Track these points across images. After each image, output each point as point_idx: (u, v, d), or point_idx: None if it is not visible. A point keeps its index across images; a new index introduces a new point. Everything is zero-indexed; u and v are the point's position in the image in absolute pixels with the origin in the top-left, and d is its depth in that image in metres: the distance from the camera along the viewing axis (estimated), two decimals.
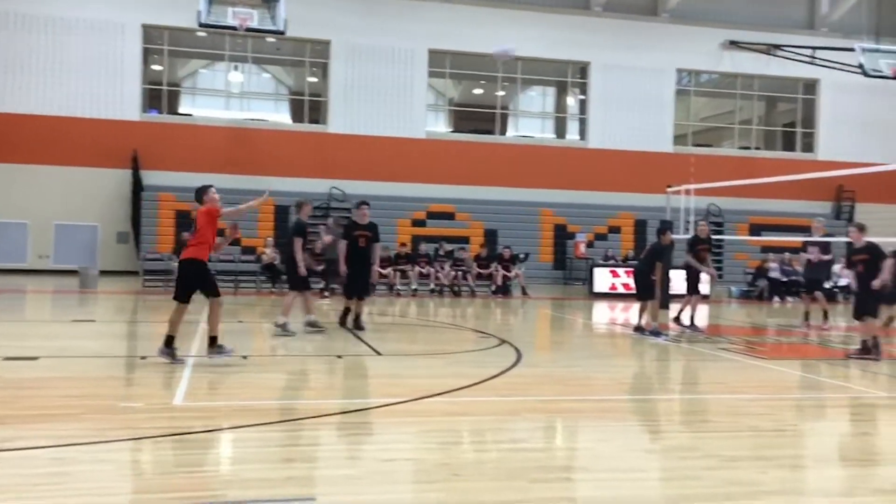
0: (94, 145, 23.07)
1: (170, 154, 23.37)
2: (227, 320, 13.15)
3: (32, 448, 4.81)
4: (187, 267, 8.22)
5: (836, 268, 22.90)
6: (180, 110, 26.40)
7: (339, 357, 9.10)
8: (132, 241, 23.13)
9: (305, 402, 6.42)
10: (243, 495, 4.10)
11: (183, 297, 8.21)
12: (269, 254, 20.05)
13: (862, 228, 10.29)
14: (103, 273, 21.12)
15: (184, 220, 21.74)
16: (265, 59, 26.67)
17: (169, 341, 8.13)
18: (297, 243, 10.88)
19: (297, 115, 26.56)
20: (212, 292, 8.23)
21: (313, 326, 11.13)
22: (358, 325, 11.42)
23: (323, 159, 24.29)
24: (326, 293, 17.17)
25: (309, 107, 25.78)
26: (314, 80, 26.31)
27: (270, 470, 4.61)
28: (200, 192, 8.42)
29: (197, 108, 26.73)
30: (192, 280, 8.20)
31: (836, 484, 4.68)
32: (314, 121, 25.66)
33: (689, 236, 20.10)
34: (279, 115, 27.37)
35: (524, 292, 20.01)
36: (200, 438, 5.25)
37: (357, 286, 11.39)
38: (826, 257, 13.86)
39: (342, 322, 11.58)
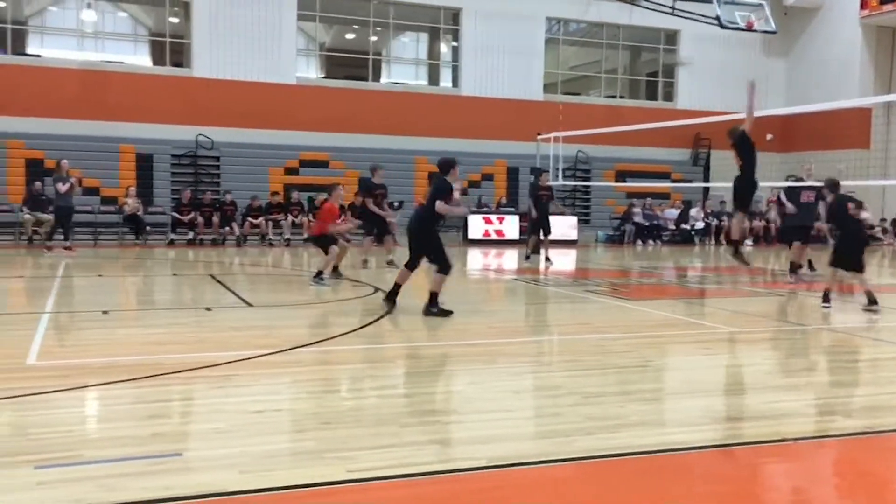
0: None
1: (18, 98, 21.68)
2: (86, 274, 12.54)
3: None
4: (323, 236, 11.45)
5: (693, 211, 24.21)
6: (28, 51, 24.48)
7: (209, 309, 8.86)
8: None
9: (172, 357, 6.21)
10: (103, 454, 3.94)
11: (330, 244, 11.40)
12: (132, 204, 19.16)
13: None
14: None
15: (36, 169, 20.38)
16: None
17: (319, 274, 11.13)
18: (368, 201, 13.67)
19: (158, 58, 25.16)
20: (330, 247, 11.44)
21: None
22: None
23: (188, 105, 23.19)
24: (68, 244, 15.90)
25: (171, 49, 24.48)
26: (176, 20, 24.96)
27: (134, 427, 4.45)
28: (330, 188, 11.82)
29: (46, 48, 24.84)
30: (331, 240, 11.44)
31: (688, 414, 4.98)
32: (177, 64, 24.40)
33: (558, 183, 20.65)
34: (138, 58, 25.83)
35: (395, 241, 20.00)
36: (55, 398, 5.00)
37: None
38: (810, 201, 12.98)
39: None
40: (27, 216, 17.32)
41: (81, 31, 23.98)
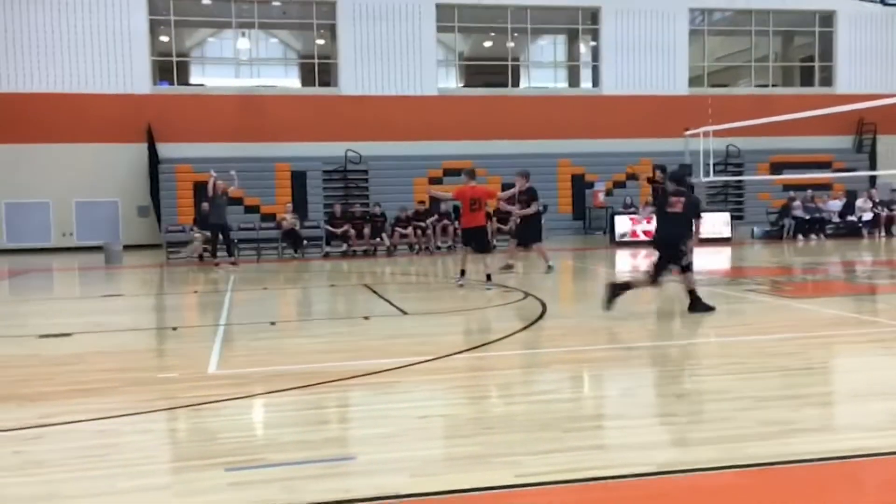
0: (108, 120, 23.12)
1: (183, 126, 23.39)
2: (252, 287, 13.30)
3: (75, 422, 4.93)
4: (481, 229, 11.85)
5: (859, 201, 22.71)
6: (191, 81, 26.34)
7: (366, 318, 9.18)
8: (153, 214, 23.29)
9: (336, 365, 6.49)
10: (284, 458, 4.18)
11: (487, 247, 12.15)
12: (290, 220, 20.11)
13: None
14: (127, 248, 21.35)
15: (202, 191, 21.83)
16: (272, 24, 26.46)
17: (462, 273, 11.77)
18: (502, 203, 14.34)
19: (307, 79, 26.42)
20: (483, 249, 11.92)
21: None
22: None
23: (336, 122, 24.20)
24: (233, 259, 16.75)
25: (319, 70, 25.62)
26: (322, 42, 26.10)
27: (308, 432, 4.70)
28: (468, 173, 11.82)
29: (207, 77, 26.66)
30: (482, 234, 11.91)
31: (871, 418, 4.68)
32: (325, 84, 25.52)
33: (708, 179, 19.94)
34: (289, 80, 27.22)
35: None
36: (237, 405, 5.35)
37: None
38: None
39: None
40: (196, 235, 18.58)
41: (238, 59, 25.53)
